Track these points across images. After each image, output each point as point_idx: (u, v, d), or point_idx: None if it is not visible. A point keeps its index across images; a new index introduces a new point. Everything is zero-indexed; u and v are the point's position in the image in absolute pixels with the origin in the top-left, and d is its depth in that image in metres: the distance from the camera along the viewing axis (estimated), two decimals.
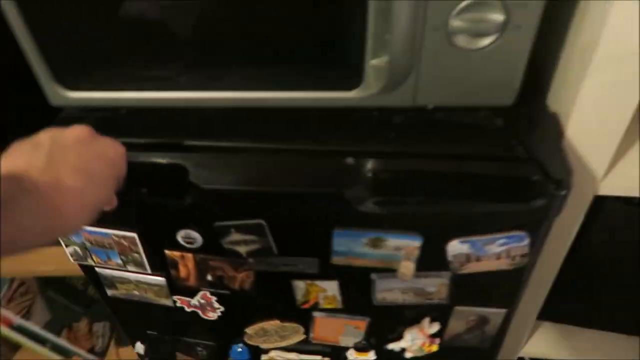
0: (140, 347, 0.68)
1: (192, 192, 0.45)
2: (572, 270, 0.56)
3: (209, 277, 0.53)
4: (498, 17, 0.37)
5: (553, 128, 0.45)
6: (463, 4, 0.36)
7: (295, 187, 0.42)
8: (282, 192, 0.42)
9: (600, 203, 0.49)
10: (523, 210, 0.39)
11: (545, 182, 0.38)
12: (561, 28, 0.45)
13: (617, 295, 0.61)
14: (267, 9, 0.39)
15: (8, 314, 0.92)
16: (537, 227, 0.41)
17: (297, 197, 0.42)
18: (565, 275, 0.56)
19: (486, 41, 0.38)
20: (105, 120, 0.48)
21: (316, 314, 0.54)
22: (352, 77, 0.41)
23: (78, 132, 0.35)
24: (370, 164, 0.42)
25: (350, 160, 0.42)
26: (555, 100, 0.47)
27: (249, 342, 0.61)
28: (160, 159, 0.45)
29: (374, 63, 0.40)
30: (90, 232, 0.53)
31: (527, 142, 0.42)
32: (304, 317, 0.55)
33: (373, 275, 0.47)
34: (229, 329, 0.59)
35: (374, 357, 0.59)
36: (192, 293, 0.56)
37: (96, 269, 0.57)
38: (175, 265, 0.53)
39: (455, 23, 0.37)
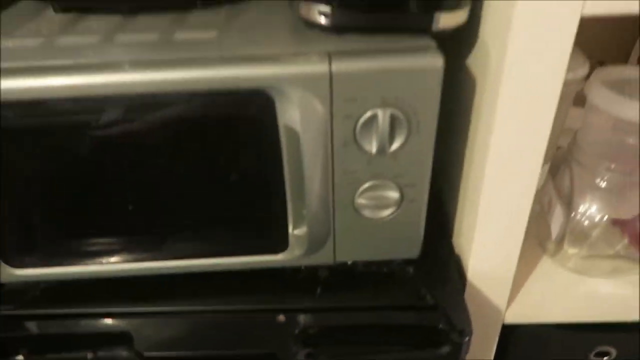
0: None
1: (135, 359, 0.47)
2: None
3: None
4: (394, 194, 0.44)
5: (457, 269, 0.52)
6: (364, 186, 0.44)
7: (233, 350, 0.46)
8: (220, 356, 0.46)
9: (511, 329, 0.55)
10: (434, 356, 0.45)
11: (450, 331, 0.44)
12: (456, 181, 0.54)
13: None
14: (200, 191, 0.45)
15: None
16: None
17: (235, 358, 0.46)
18: None
19: (387, 212, 0.45)
20: (48, 291, 0.51)
21: None
22: (278, 244, 0.47)
23: None
24: (300, 320, 0.47)
25: (281, 318, 0.47)
26: (458, 240, 0.55)
27: None
28: (105, 327, 0.48)
29: (296, 233, 0.46)
30: None
31: (434, 289, 0.48)
32: None
33: None
34: None
35: None
36: None
37: None
38: None
39: (360, 201, 0.44)
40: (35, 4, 0.51)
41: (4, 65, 0.39)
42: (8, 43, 0.43)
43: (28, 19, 0.49)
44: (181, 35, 0.43)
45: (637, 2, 0.35)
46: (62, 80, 0.38)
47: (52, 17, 0.49)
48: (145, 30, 0.44)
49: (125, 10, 0.48)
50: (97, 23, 0.47)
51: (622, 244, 0.55)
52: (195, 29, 0.44)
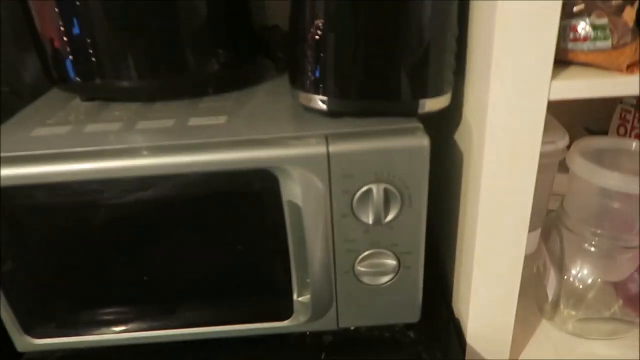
0: None
1: None
2: None
3: None
4: (391, 262, 0.47)
5: (456, 333, 0.54)
6: (363, 254, 0.47)
7: None
8: None
9: None
10: None
11: None
12: (452, 248, 0.57)
13: None
14: (210, 262, 0.49)
15: None
16: None
17: None
18: None
19: (386, 279, 0.48)
20: (64, 359, 0.53)
21: None
22: (283, 311, 0.50)
23: None
24: None
25: None
26: (456, 305, 0.57)
27: None
28: None
29: (301, 300, 0.49)
30: None
31: (434, 353, 0.50)
32: None
33: None
34: None
35: None
36: None
37: None
38: None
39: (360, 268, 0.47)
40: (65, 93, 0.57)
41: (38, 152, 0.44)
42: (41, 131, 0.48)
43: (58, 107, 0.55)
44: (195, 121, 0.48)
45: (599, 86, 0.40)
46: (87, 165, 0.43)
47: (79, 106, 0.55)
48: (163, 116, 0.49)
49: (145, 99, 0.54)
50: (119, 110, 0.52)
51: (617, 305, 0.56)
52: (207, 115, 0.49)
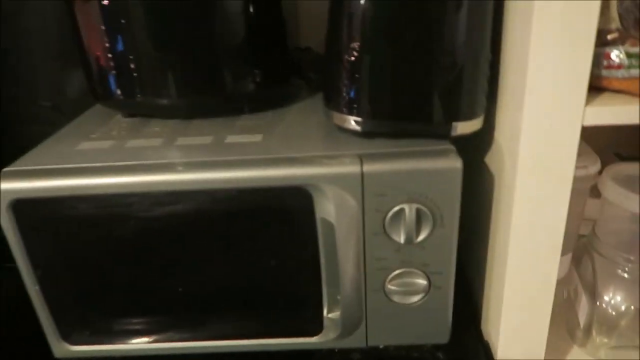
0: None
1: None
2: None
3: None
4: (422, 281, 0.47)
5: (486, 356, 0.53)
6: (394, 273, 0.47)
7: None
8: None
9: None
10: None
11: None
12: (482, 271, 0.56)
13: None
14: (242, 276, 0.50)
15: None
16: None
17: None
18: None
19: (416, 298, 0.48)
20: None
21: None
22: (313, 327, 0.50)
23: None
24: None
25: None
26: (486, 327, 0.56)
27: None
28: None
29: (331, 316, 0.50)
30: None
31: None
32: None
33: None
34: None
35: None
36: None
37: None
38: None
39: (390, 287, 0.48)
40: (107, 109, 0.60)
41: (83, 165, 0.46)
42: (86, 145, 0.50)
43: (101, 122, 0.57)
44: (231, 138, 0.49)
45: (633, 113, 0.40)
46: (129, 179, 0.44)
47: (120, 122, 0.57)
48: (201, 133, 0.51)
49: (183, 116, 0.56)
50: (159, 126, 0.55)
51: None
52: (243, 133, 0.51)
